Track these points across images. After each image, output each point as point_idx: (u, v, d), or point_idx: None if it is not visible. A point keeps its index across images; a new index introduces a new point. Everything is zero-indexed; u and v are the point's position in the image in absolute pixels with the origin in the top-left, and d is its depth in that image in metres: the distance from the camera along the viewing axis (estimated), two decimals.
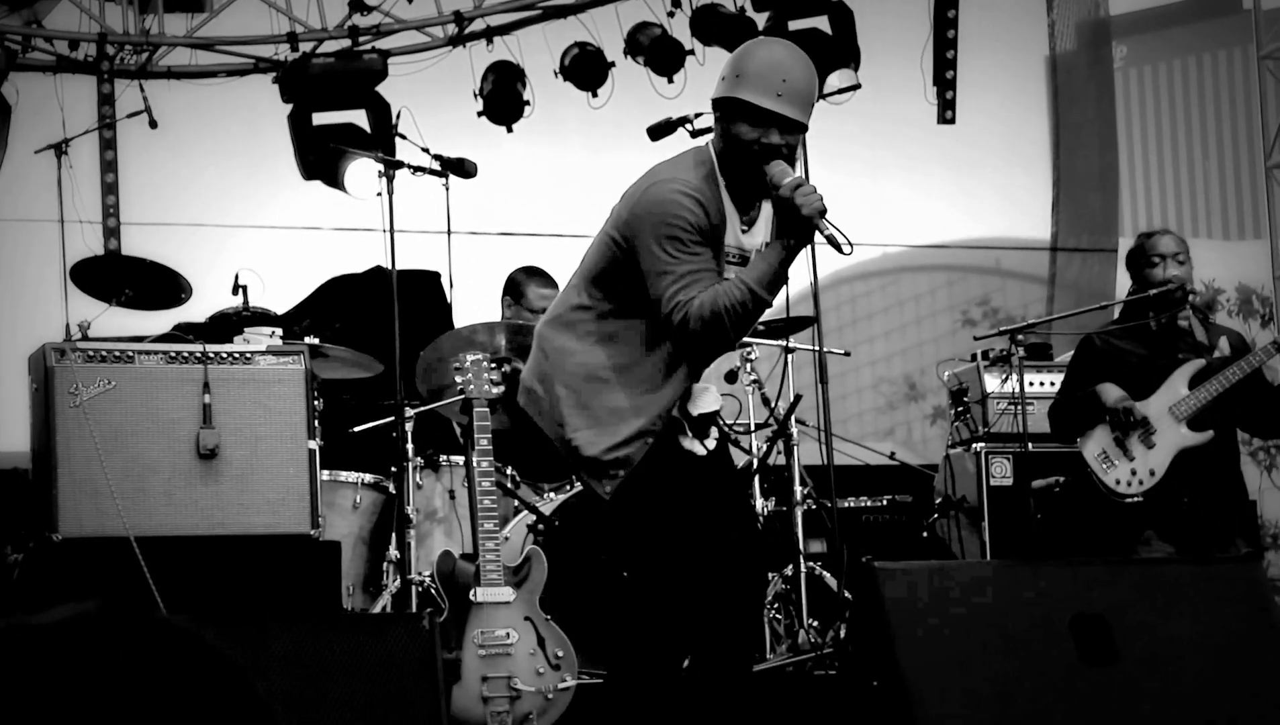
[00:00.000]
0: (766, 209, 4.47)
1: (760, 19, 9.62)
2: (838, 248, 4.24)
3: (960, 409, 8.14)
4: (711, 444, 4.55)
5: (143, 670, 1.52)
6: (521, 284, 7.15)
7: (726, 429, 4.78)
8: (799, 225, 4.21)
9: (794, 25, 9.57)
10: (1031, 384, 7.70)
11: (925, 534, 7.83)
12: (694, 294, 4.26)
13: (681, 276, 4.27)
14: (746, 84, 4.30)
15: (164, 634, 1.56)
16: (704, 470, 4.51)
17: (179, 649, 1.55)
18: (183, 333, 6.72)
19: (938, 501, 7.93)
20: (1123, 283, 6.65)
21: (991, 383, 8.02)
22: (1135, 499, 6.28)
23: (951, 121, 10.00)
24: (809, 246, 4.53)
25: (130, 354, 6.26)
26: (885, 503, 8.05)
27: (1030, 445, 7.36)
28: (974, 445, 7.88)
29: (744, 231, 4.44)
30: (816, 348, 6.61)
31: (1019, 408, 7.34)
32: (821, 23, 9.50)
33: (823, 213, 4.19)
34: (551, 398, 4.48)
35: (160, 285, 6.80)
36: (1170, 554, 6.20)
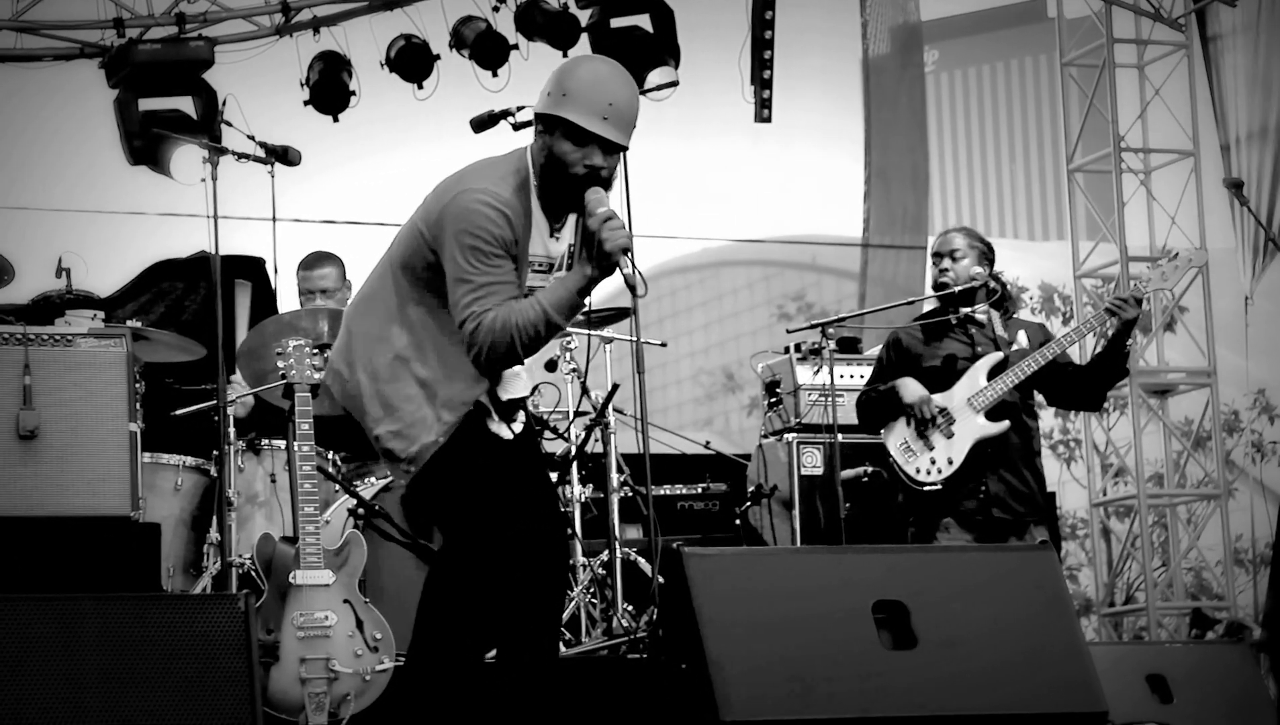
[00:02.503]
0: (573, 216, 4.53)
1: (583, 16, 9.74)
2: (632, 289, 4.34)
3: (773, 400, 8.32)
4: (518, 428, 4.59)
5: None
6: (309, 262, 7.24)
7: (537, 416, 4.89)
8: (601, 259, 4.26)
9: (616, 22, 9.71)
10: (842, 376, 7.86)
11: (738, 522, 7.98)
12: (489, 306, 4.30)
13: (478, 287, 4.30)
14: (572, 104, 4.33)
15: None
16: (511, 456, 4.53)
17: None
18: (3, 314, 6.69)
19: (751, 490, 8.08)
20: (930, 279, 6.89)
21: (804, 375, 8.18)
22: (935, 487, 6.53)
23: (768, 120, 10.18)
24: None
25: None
26: (700, 491, 8.19)
27: (840, 436, 7.55)
28: (786, 435, 8.05)
29: (554, 238, 4.49)
30: (634, 338, 6.75)
31: (829, 399, 7.54)
32: (643, 20, 9.65)
33: (626, 251, 4.25)
34: (355, 382, 4.53)
35: None
36: (969, 542, 6.45)
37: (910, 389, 6.56)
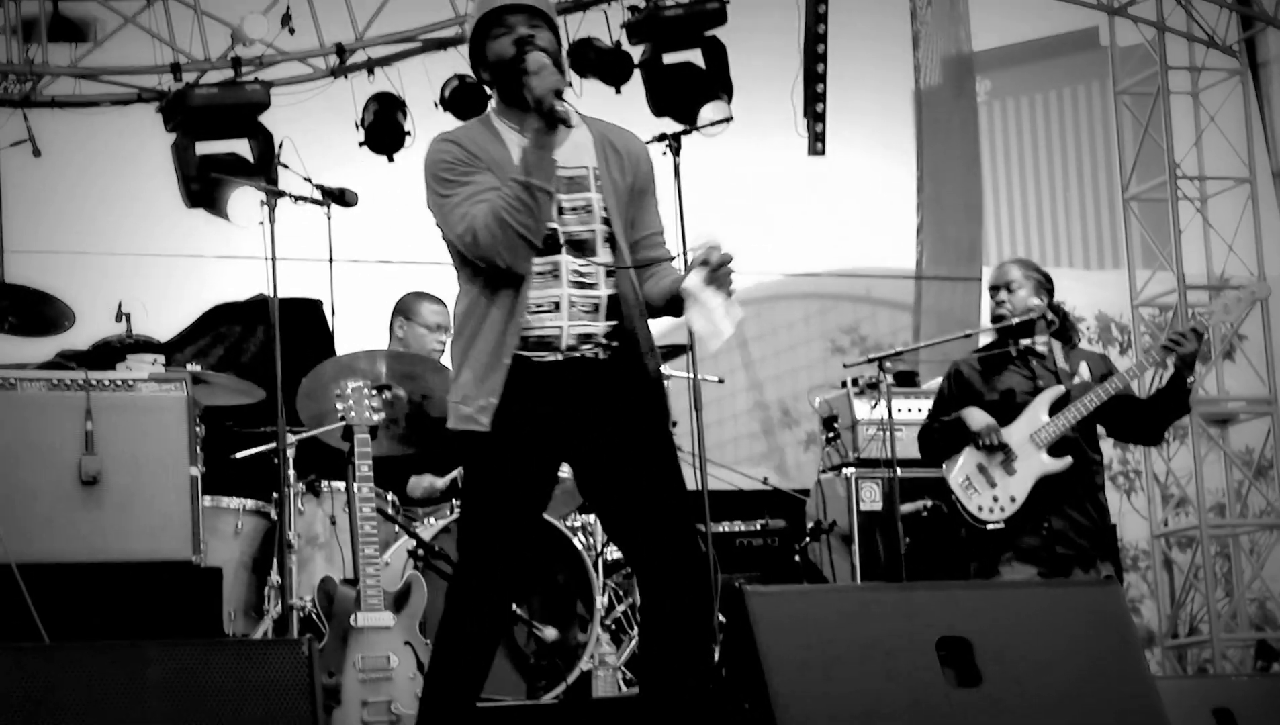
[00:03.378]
0: (584, 134, 4.48)
1: (636, 52, 9.78)
2: (561, 121, 4.24)
3: (831, 435, 8.31)
4: (732, 312, 4.37)
5: None
6: (412, 303, 7.27)
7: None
8: (536, 106, 4.24)
9: (668, 59, 9.75)
10: (899, 410, 7.84)
11: (798, 558, 7.96)
12: (475, 211, 4.30)
13: (459, 202, 4.32)
14: (480, 5, 4.45)
15: None
16: (485, 450, 4.37)
17: None
18: (65, 360, 6.74)
19: (810, 526, 8.05)
20: (987, 310, 6.86)
21: (861, 409, 8.18)
22: (997, 525, 6.46)
23: (822, 153, 10.18)
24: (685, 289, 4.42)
25: (12, 381, 6.26)
26: (759, 527, 8.17)
27: (899, 470, 7.52)
28: (844, 470, 8.04)
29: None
30: (691, 375, 6.75)
31: (888, 433, 7.52)
32: (695, 56, 9.68)
33: (556, 91, 4.24)
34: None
35: (43, 312, 6.79)
36: (1032, 577, 6.39)
37: (976, 417, 6.50)
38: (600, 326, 4.44)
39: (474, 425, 4.36)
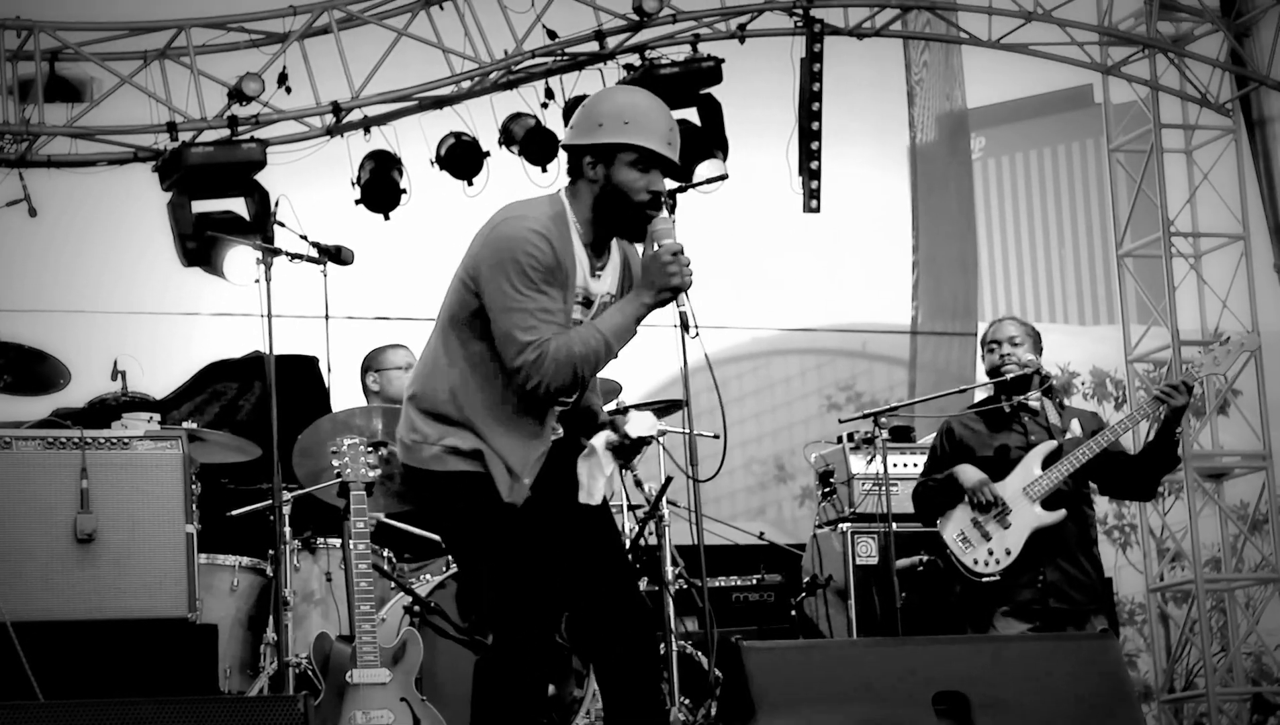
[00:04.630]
0: (615, 256, 4.51)
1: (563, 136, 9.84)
2: (685, 327, 4.33)
3: (827, 490, 8.32)
4: (611, 486, 4.53)
5: None
6: (376, 356, 7.33)
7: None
8: (664, 290, 4.27)
9: None
10: (895, 465, 7.87)
11: (794, 613, 7.97)
12: (546, 335, 4.26)
13: (533, 313, 4.27)
14: (637, 130, 4.33)
15: None
16: (513, 522, 4.42)
17: None
18: (61, 418, 6.76)
19: (805, 580, 8.06)
20: (982, 366, 6.90)
21: (857, 464, 8.20)
22: (992, 578, 6.48)
23: (817, 211, 10.23)
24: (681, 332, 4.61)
25: (7, 440, 6.30)
26: (755, 582, 8.18)
27: (895, 525, 7.53)
28: (840, 525, 8.05)
29: (595, 277, 4.45)
30: (687, 431, 6.76)
31: (883, 489, 7.53)
32: (691, 114, 9.73)
33: (688, 287, 4.29)
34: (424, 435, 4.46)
35: (38, 371, 6.82)
36: (1026, 631, 6.40)
37: (968, 474, 6.54)
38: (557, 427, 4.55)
39: (511, 496, 4.41)
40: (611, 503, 4.70)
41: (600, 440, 4.48)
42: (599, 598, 4.49)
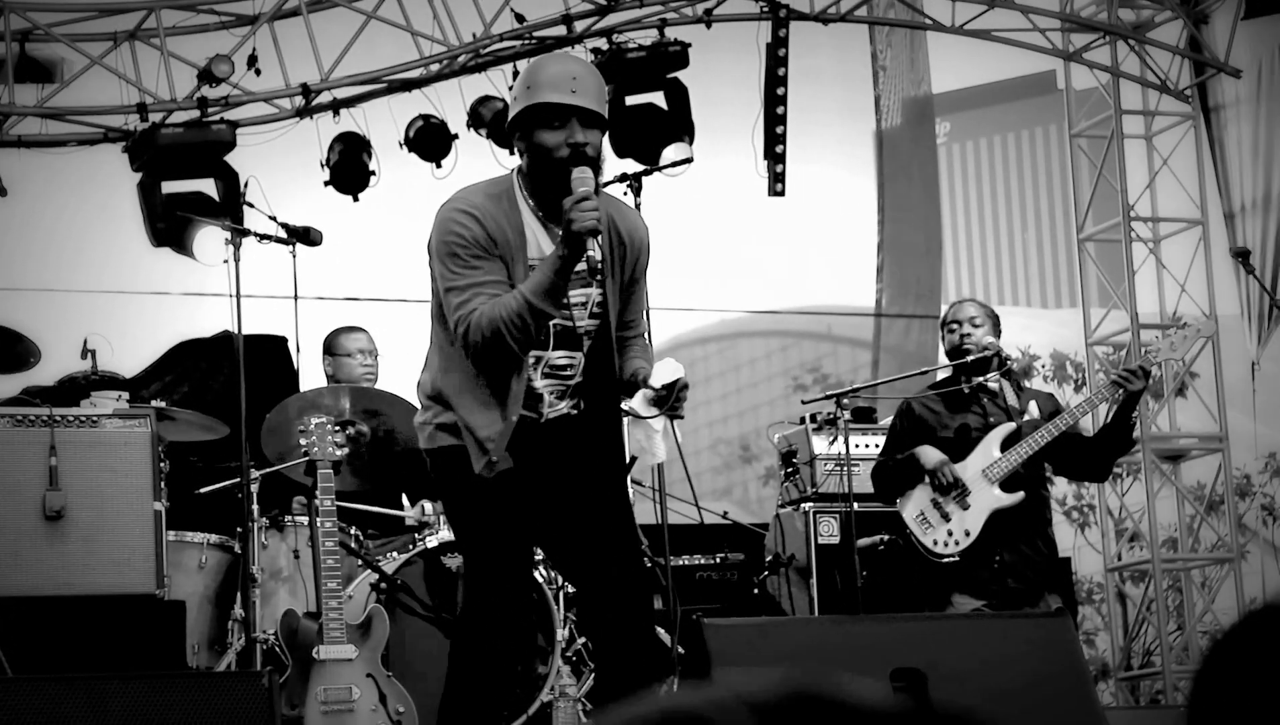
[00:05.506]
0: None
1: None
2: (591, 273, 4.34)
3: (790, 470, 8.40)
4: (677, 438, 4.57)
5: None
6: (333, 338, 7.38)
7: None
8: (569, 239, 4.28)
9: (630, 100, 9.86)
10: (857, 446, 7.92)
11: (756, 591, 8.04)
12: (475, 307, 4.36)
13: (463, 290, 4.38)
14: (541, 89, 4.40)
15: None
16: (486, 496, 4.50)
17: None
18: (31, 396, 6.80)
19: (768, 559, 8.14)
20: (943, 347, 6.96)
21: (820, 445, 8.27)
22: (951, 559, 6.57)
23: (782, 194, 10.29)
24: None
25: None
26: (718, 560, 8.26)
27: (856, 505, 7.62)
28: (803, 505, 8.12)
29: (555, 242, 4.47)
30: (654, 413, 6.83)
31: (845, 469, 7.62)
32: (657, 98, 9.79)
33: (594, 233, 4.27)
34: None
35: (8, 349, 6.84)
36: (981, 607, 6.49)
37: (929, 455, 6.59)
38: (566, 405, 4.59)
39: (481, 469, 4.48)
40: (664, 459, 4.71)
41: (638, 401, 4.50)
42: (596, 578, 4.57)
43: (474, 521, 4.57)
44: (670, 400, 4.46)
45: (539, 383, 4.55)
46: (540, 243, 4.48)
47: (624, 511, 4.71)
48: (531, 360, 4.52)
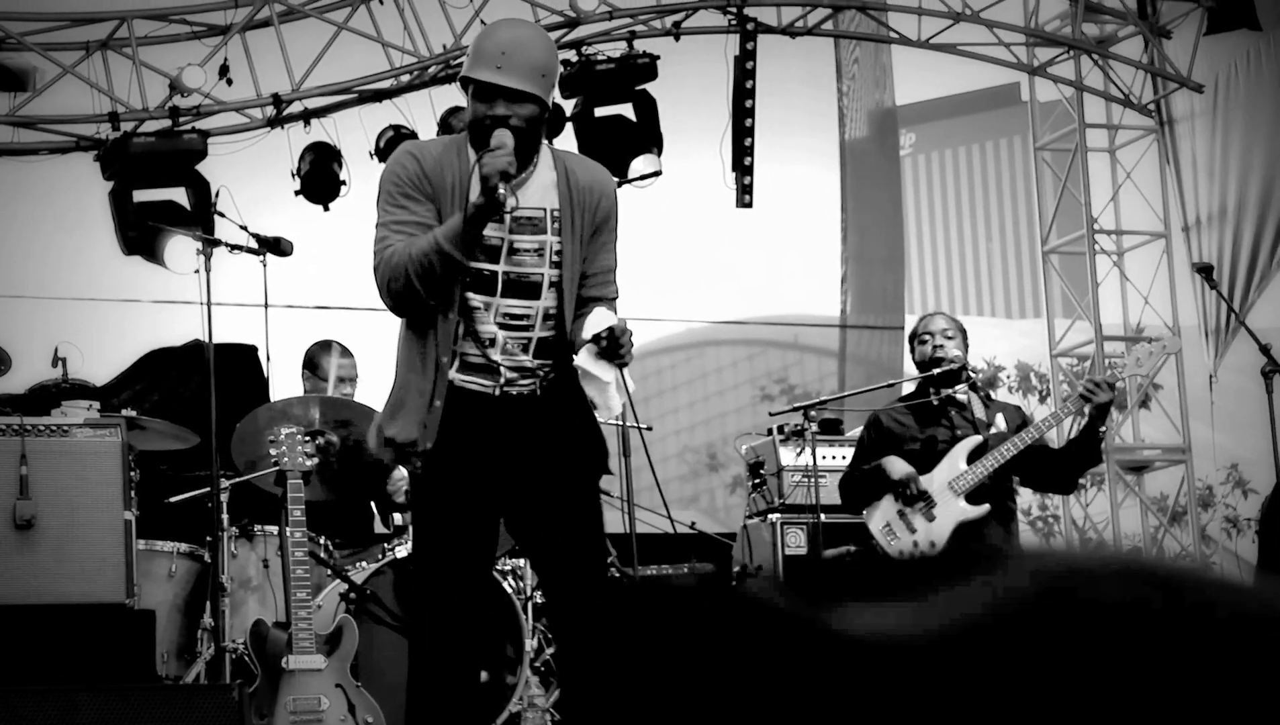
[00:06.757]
0: (545, 174, 4.50)
1: (568, 105, 9.94)
2: (500, 205, 4.24)
3: (757, 481, 8.44)
4: (628, 386, 4.44)
5: None
6: (315, 357, 7.39)
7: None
8: (482, 184, 4.24)
9: (600, 111, 9.91)
10: (824, 458, 7.98)
11: None
12: (390, 243, 4.32)
13: (389, 226, 4.35)
14: (473, 63, 4.41)
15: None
16: (423, 486, 4.47)
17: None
18: (1, 404, 6.79)
19: (736, 570, 8.19)
20: (909, 359, 6.99)
21: (787, 456, 8.31)
22: None
23: (749, 205, 10.36)
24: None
25: None
26: (685, 570, 8.29)
27: (823, 516, 7.67)
28: (770, 515, 8.17)
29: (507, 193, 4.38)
30: (619, 422, 6.88)
31: (812, 480, 7.67)
32: (626, 110, 9.85)
33: (504, 175, 4.22)
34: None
35: None
36: None
37: (896, 466, 6.59)
38: (532, 363, 4.49)
39: (410, 467, 4.48)
40: (616, 415, 4.66)
41: (582, 356, 4.42)
42: (554, 564, 4.53)
43: (422, 512, 4.53)
44: (617, 348, 4.38)
45: (493, 330, 4.45)
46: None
47: (588, 514, 4.62)
48: (480, 305, 4.44)
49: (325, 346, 7.42)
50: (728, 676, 1.08)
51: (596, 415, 4.52)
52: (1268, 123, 10.44)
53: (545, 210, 4.48)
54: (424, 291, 4.31)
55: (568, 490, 4.55)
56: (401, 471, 6.82)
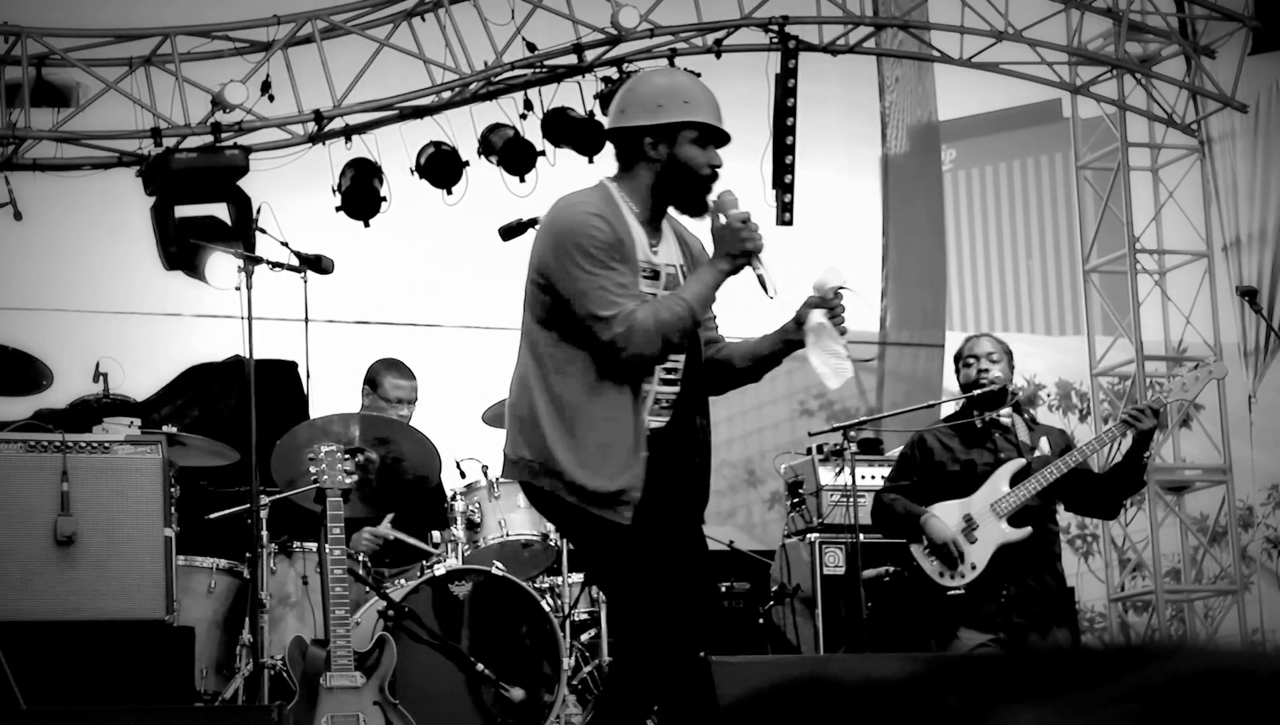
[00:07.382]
0: (668, 232, 4.58)
1: (608, 122, 9.91)
2: (764, 287, 4.42)
3: (796, 500, 8.41)
4: (628, 514, 4.38)
5: None
6: (379, 375, 7.37)
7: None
8: (738, 256, 4.40)
9: None
10: (863, 478, 7.93)
11: (761, 621, 8.06)
12: (631, 306, 4.32)
13: (609, 289, 4.33)
14: (697, 108, 4.48)
15: None
16: (626, 544, 4.39)
17: None
18: (43, 419, 6.81)
19: (774, 589, 8.16)
20: (950, 377, 6.96)
21: (826, 476, 8.28)
22: (957, 592, 6.58)
23: (790, 223, 10.32)
24: None
25: None
26: (723, 590, 8.27)
27: (862, 536, 7.64)
28: (808, 535, 8.14)
29: (654, 251, 4.52)
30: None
31: (851, 500, 7.64)
32: None
33: (759, 251, 4.41)
34: (542, 451, 4.41)
35: (21, 372, 6.88)
36: (987, 642, 6.50)
37: (938, 529, 6.54)
38: (666, 418, 4.54)
39: (615, 518, 4.38)
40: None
41: (815, 319, 4.49)
42: (687, 597, 4.48)
43: (633, 555, 4.42)
44: (840, 310, 4.52)
45: (655, 387, 4.51)
46: (643, 247, 4.50)
47: (700, 547, 4.64)
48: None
49: (389, 365, 7.39)
50: None
51: (825, 382, 4.55)
52: None
53: (676, 266, 4.59)
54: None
55: (699, 523, 4.65)
56: (368, 531, 6.84)
